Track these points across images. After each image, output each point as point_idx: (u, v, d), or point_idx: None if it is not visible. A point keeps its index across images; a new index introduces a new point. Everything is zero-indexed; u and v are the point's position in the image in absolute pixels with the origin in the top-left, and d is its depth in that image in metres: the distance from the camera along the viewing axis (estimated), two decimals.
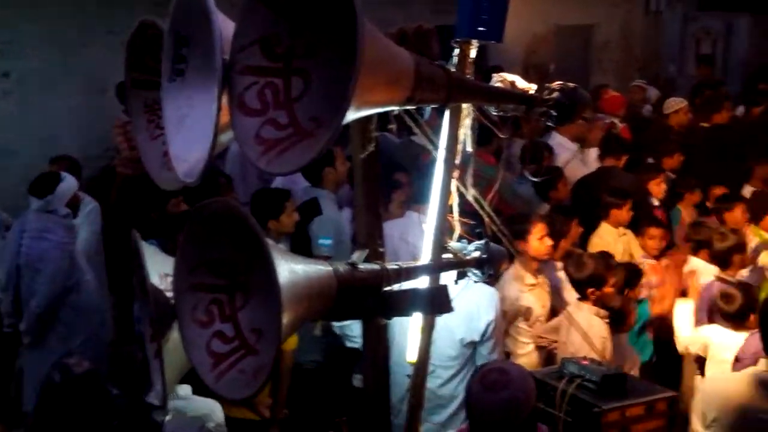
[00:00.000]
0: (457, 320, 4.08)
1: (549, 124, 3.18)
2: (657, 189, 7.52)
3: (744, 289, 4.98)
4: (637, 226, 6.81)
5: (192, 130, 2.32)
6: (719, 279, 5.79)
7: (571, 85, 3.17)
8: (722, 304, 5.05)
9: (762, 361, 3.59)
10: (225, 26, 2.20)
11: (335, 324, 4.51)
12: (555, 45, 14.51)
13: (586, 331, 4.40)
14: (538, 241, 5.37)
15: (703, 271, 6.07)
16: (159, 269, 2.50)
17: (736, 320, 4.94)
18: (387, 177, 6.03)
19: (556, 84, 3.16)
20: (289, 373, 5.38)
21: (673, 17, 16.23)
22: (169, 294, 2.42)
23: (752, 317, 4.80)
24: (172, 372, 2.54)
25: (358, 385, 5.29)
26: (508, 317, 5.29)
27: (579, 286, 5.14)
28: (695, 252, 6.30)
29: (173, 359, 2.50)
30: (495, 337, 4.40)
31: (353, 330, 4.37)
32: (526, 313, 5.35)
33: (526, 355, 5.36)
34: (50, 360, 4.33)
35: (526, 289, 5.40)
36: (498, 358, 4.37)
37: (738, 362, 4.22)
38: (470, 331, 4.31)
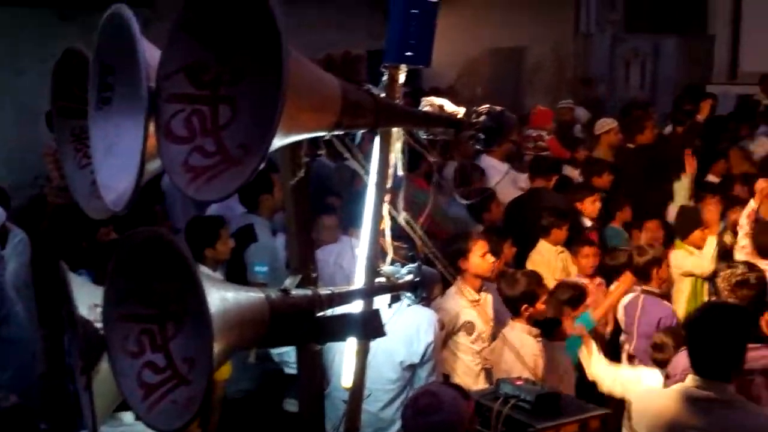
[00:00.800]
0: (397, 343, 4.08)
1: (477, 147, 3.21)
2: (591, 208, 7.63)
3: (674, 334, 5.04)
4: (569, 245, 6.92)
5: (119, 159, 2.30)
6: (644, 292, 5.89)
7: (498, 108, 3.21)
8: (655, 354, 5.10)
9: (690, 377, 3.65)
10: (151, 54, 2.19)
11: (273, 351, 4.49)
12: (488, 67, 14.71)
13: (518, 350, 4.45)
14: (479, 258, 5.41)
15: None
16: (88, 300, 2.46)
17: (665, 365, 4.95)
18: (321, 201, 6.06)
19: (484, 107, 3.19)
20: (220, 404, 5.34)
21: (603, 39, 16.57)
22: (99, 325, 2.39)
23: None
24: (104, 402, 2.51)
25: (291, 410, 5.28)
26: (447, 330, 5.32)
27: (512, 303, 5.18)
28: (616, 277, 6.39)
29: (106, 390, 2.46)
30: (434, 359, 4.42)
31: (291, 356, 4.35)
32: (468, 328, 5.38)
33: (468, 374, 5.39)
34: None
35: (469, 305, 5.43)
36: (436, 380, 4.39)
37: (668, 378, 4.28)
38: (410, 353, 4.33)
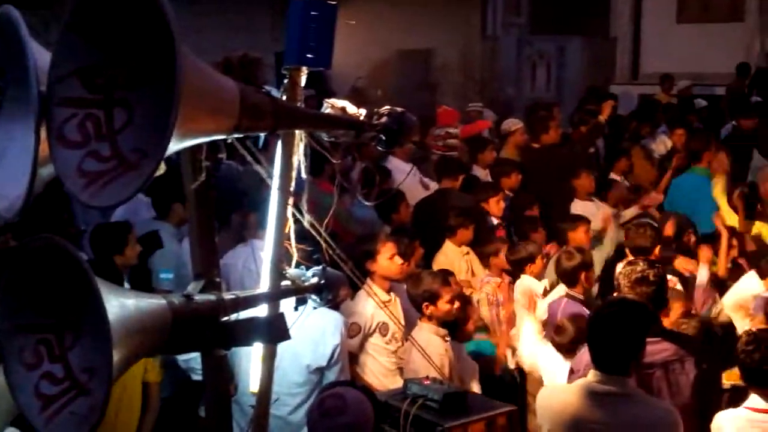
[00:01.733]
0: (303, 346, 4.06)
1: (379, 148, 3.23)
2: (496, 208, 7.72)
3: (576, 321, 5.15)
4: (476, 245, 6.98)
5: (11, 165, 2.24)
6: (568, 296, 5.96)
7: (399, 109, 3.23)
8: (554, 335, 5.22)
9: (592, 372, 3.73)
10: (42, 57, 2.14)
11: (180, 358, 4.43)
12: (395, 69, 14.80)
13: (425, 350, 4.46)
14: (388, 260, 5.42)
15: (534, 287, 6.28)
16: None
17: (566, 350, 5.09)
18: (229, 205, 6.01)
19: (385, 109, 3.21)
20: (158, 404, 5.24)
21: (509, 41, 16.81)
22: None
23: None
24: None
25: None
26: (364, 333, 5.34)
27: (416, 302, 5.21)
28: (519, 272, 6.49)
29: (2, 404, 2.40)
30: (342, 362, 4.42)
31: (198, 362, 4.30)
32: (382, 329, 5.40)
33: (385, 375, 5.41)
34: None
35: (380, 306, 5.42)
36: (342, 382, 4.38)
37: (573, 374, 4.36)
38: (317, 356, 4.32)
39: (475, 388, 5.36)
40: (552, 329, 5.35)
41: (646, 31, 16.55)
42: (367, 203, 5.77)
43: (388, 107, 3.26)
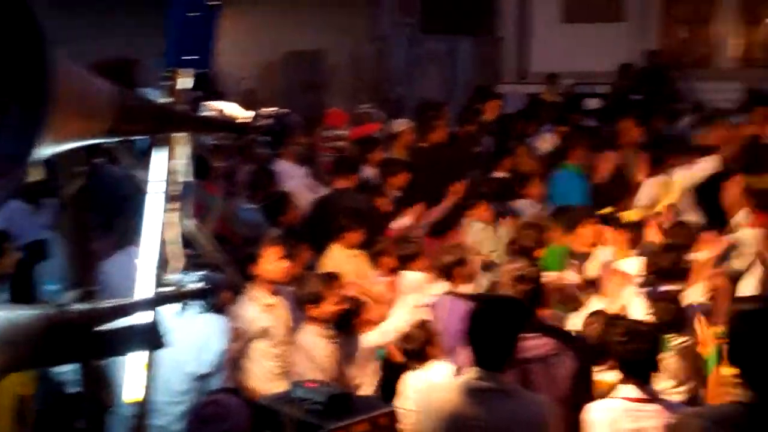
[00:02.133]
0: (186, 353, 4.00)
1: (262, 150, 3.21)
2: (384, 208, 7.74)
3: (424, 327, 5.19)
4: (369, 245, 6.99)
5: None
6: (450, 293, 6.02)
7: (283, 111, 3.22)
8: (402, 343, 5.25)
9: (471, 369, 3.79)
10: None
11: (53, 369, 4.31)
12: (286, 71, 14.75)
13: (310, 352, 4.46)
14: (272, 262, 5.39)
15: (415, 284, 6.33)
16: None
17: (415, 357, 5.14)
18: (111, 211, 5.88)
19: (268, 111, 3.20)
20: (31, 420, 5.07)
21: (400, 42, 16.89)
22: None
23: (429, 351, 5.06)
24: None
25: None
26: (247, 337, 5.29)
27: (301, 304, 5.20)
28: (404, 266, 6.54)
29: None
30: (227, 368, 4.37)
31: (72, 374, 4.19)
32: (266, 333, 5.37)
33: (271, 379, 5.37)
34: None
35: (264, 310, 5.41)
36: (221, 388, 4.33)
37: (458, 372, 4.42)
38: (200, 363, 4.25)
39: (372, 386, 5.37)
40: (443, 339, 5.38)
41: (533, 32, 16.87)
42: (248, 206, 5.71)
43: (272, 109, 3.25)
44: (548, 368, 4.41)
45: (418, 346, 5.08)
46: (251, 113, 3.09)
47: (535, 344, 4.34)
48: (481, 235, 7.50)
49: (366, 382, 5.56)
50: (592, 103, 13.38)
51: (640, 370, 4.17)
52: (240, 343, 5.19)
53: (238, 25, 13.66)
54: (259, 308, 5.34)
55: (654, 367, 4.23)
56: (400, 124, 9.83)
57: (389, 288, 6.60)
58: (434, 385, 4.48)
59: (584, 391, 4.44)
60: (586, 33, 15.93)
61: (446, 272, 6.05)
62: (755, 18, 16.44)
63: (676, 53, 16.18)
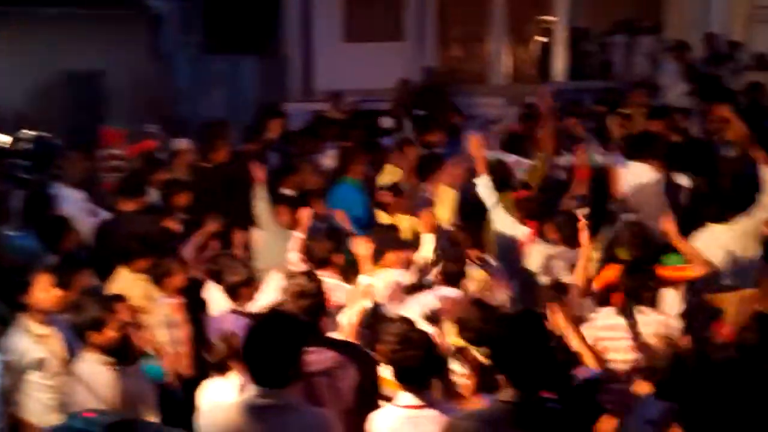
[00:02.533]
0: None
1: (21, 175, 3.12)
2: (173, 229, 7.63)
3: (227, 339, 5.18)
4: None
5: None
6: (234, 311, 6.00)
7: (45, 134, 3.14)
8: (206, 355, 5.24)
9: (252, 387, 3.79)
10: None
11: None
12: (64, 92, 14.35)
13: (89, 382, 4.32)
14: (43, 292, 5.20)
15: (217, 301, 6.30)
16: None
17: (217, 369, 5.14)
18: None
19: (29, 134, 3.10)
20: None
21: (183, 61, 16.71)
22: None
23: (232, 365, 5.06)
24: None
25: None
26: (20, 370, 5.09)
27: (79, 331, 5.03)
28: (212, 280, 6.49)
29: None
30: (0, 404, 4.17)
31: None
32: (39, 365, 5.17)
33: (45, 412, 5.14)
34: None
35: (37, 341, 5.20)
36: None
37: (242, 390, 4.41)
38: None
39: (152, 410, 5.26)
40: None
41: (316, 51, 17.10)
42: (25, 232, 5.48)
43: (33, 132, 3.16)
44: (333, 381, 4.46)
45: (220, 359, 5.08)
46: (8, 138, 3.00)
47: (318, 358, 4.38)
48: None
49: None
50: (386, 122, 13.68)
51: (415, 377, 4.23)
52: (13, 376, 4.97)
53: (11, 47, 13.17)
54: (32, 339, 5.13)
55: (430, 371, 4.32)
56: (181, 144, 9.74)
57: (175, 310, 6.51)
58: (216, 404, 4.45)
59: (369, 402, 4.50)
60: (368, 52, 16.38)
61: (231, 291, 6.05)
62: (523, 38, 17.57)
63: (452, 70, 17.07)
